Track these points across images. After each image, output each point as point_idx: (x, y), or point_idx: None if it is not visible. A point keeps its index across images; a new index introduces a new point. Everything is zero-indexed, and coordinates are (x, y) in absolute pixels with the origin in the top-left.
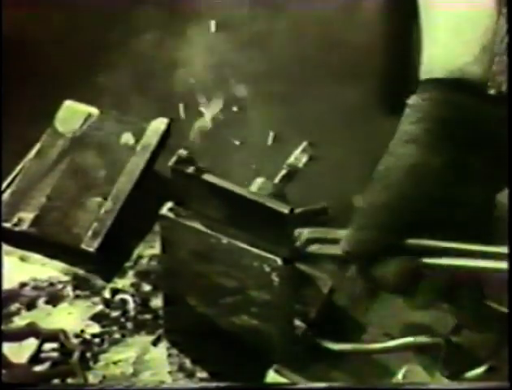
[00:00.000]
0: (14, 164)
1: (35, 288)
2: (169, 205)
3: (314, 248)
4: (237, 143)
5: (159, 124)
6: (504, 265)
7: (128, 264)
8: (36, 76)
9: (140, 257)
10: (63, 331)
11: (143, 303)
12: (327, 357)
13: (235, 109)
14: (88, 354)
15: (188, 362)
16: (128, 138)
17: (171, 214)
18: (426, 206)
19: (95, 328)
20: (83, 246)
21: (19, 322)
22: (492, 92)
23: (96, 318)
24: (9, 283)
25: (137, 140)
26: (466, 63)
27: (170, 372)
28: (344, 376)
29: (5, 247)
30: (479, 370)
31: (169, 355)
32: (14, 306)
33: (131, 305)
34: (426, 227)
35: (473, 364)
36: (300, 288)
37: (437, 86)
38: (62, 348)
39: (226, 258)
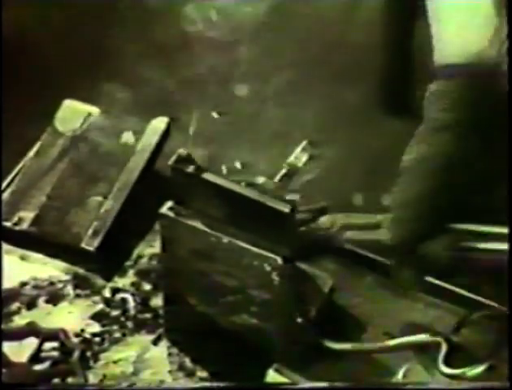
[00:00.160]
0: (14, 163)
1: (35, 287)
2: (169, 204)
3: (350, 234)
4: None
5: (159, 124)
6: None
7: (128, 263)
8: (36, 76)
9: (140, 256)
10: (63, 331)
11: (143, 302)
12: (327, 356)
13: (235, 109)
14: (89, 353)
15: (188, 361)
16: (128, 137)
17: (171, 213)
18: (463, 193)
19: (95, 327)
20: (83, 245)
21: (20, 321)
22: (504, 68)
23: (96, 317)
24: (9, 283)
25: (137, 140)
26: (482, 48)
27: (170, 371)
28: (345, 375)
29: (5, 246)
30: (479, 369)
31: (169, 354)
32: (14, 305)
33: (131, 304)
34: (464, 213)
35: (473, 363)
36: (300, 287)
37: (459, 72)
38: (63, 347)
39: (226, 257)
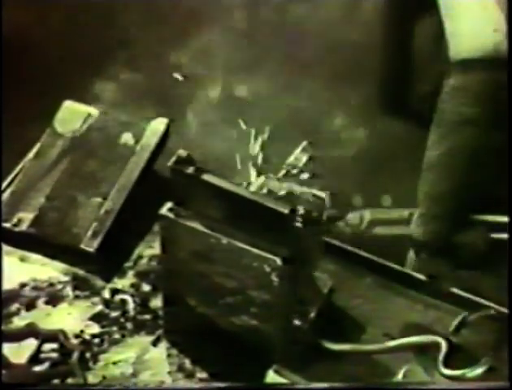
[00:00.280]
0: (13, 164)
1: (35, 288)
2: (169, 205)
3: (379, 230)
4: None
5: (158, 125)
6: None
7: (127, 264)
8: (36, 76)
9: (139, 257)
10: (63, 332)
11: (143, 303)
12: (326, 357)
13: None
14: (88, 354)
15: (187, 363)
16: (127, 138)
17: (170, 215)
18: (491, 186)
19: (95, 328)
20: (82, 246)
21: (19, 322)
22: None
23: (95, 318)
24: (9, 284)
25: (137, 141)
26: (498, 41)
27: (169, 372)
28: (344, 376)
29: (5, 247)
30: (479, 371)
31: (169, 355)
32: (13, 306)
33: (130, 306)
34: (492, 205)
35: (473, 364)
36: (299, 288)
37: (477, 66)
38: (62, 348)
39: (226, 258)
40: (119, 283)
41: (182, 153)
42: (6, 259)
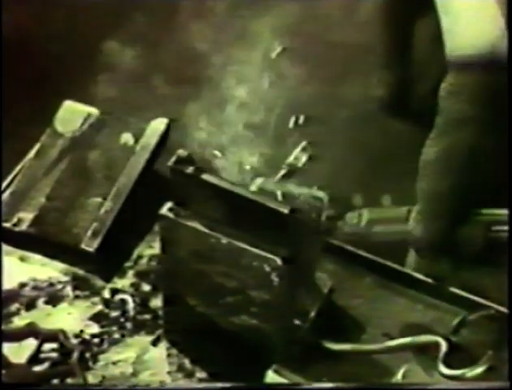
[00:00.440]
0: (13, 164)
1: (34, 288)
2: (169, 205)
3: (378, 228)
4: None
5: (159, 125)
6: None
7: (127, 264)
8: (36, 77)
9: (139, 257)
10: (63, 332)
11: (143, 303)
12: (326, 356)
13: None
14: (88, 354)
15: (187, 362)
16: (127, 138)
17: (170, 214)
18: (489, 183)
19: (94, 328)
20: (82, 246)
21: (19, 322)
22: None
23: (95, 318)
24: (9, 284)
25: (137, 141)
26: (495, 38)
27: (169, 372)
28: (344, 376)
29: (5, 247)
30: (479, 370)
31: (168, 355)
32: (13, 306)
33: (130, 305)
34: (492, 199)
35: (473, 364)
36: (299, 288)
37: (474, 63)
38: (62, 348)
39: (226, 258)
40: (119, 283)
41: (182, 152)
42: (6, 259)
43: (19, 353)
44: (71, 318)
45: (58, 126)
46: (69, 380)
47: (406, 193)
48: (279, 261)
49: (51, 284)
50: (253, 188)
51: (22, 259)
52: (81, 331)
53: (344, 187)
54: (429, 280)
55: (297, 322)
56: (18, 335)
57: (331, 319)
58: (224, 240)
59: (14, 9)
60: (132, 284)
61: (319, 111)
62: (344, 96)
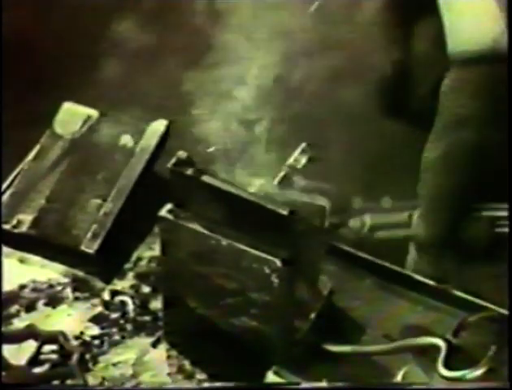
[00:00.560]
0: (13, 166)
1: (34, 289)
2: (168, 206)
3: (380, 233)
4: None
5: (158, 126)
6: None
7: (127, 266)
8: (36, 77)
9: (139, 258)
10: (63, 333)
11: (142, 305)
12: (326, 358)
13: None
14: (88, 356)
15: (187, 364)
16: (127, 140)
17: (170, 216)
18: (494, 179)
19: (94, 330)
20: (82, 248)
21: (19, 324)
22: None
23: (95, 319)
24: (8, 285)
25: (136, 142)
26: (497, 34)
27: (169, 374)
28: (344, 378)
29: (4, 249)
30: (479, 372)
31: (168, 357)
32: (13, 308)
33: (130, 307)
34: (493, 198)
35: (473, 366)
36: (299, 290)
37: (476, 60)
38: (62, 350)
39: (226, 260)
40: (119, 284)
41: (181, 154)
42: (5, 261)
43: (19, 354)
44: (71, 319)
45: (58, 128)
46: (69, 382)
47: (407, 195)
48: (279, 262)
49: (51, 286)
50: (252, 190)
51: (22, 261)
52: (81, 333)
53: (344, 189)
54: (429, 282)
55: (297, 323)
56: (18, 337)
57: (331, 321)
58: (224, 242)
59: (14, 9)
60: (132, 286)
61: (319, 112)
62: (345, 96)
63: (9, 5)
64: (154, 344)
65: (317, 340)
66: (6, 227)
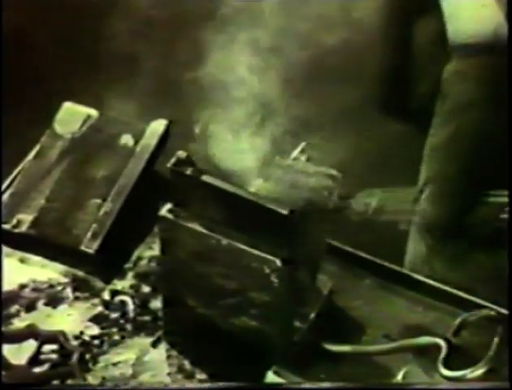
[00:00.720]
0: (13, 165)
1: (34, 289)
2: (168, 206)
3: (386, 217)
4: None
5: (158, 126)
6: None
7: (127, 265)
8: (36, 77)
9: (139, 258)
10: (63, 333)
11: (142, 304)
12: (326, 358)
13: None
14: (88, 356)
15: (187, 364)
16: (127, 139)
17: (170, 216)
18: (500, 164)
19: (94, 330)
20: (82, 247)
21: (19, 323)
22: None
23: (95, 319)
24: (8, 285)
25: (136, 142)
26: (497, 24)
27: (169, 373)
28: (344, 378)
29: (4, 249)
30: (479, 372)
31: (168, 356)
32: (13, 308)
33: (130, 307)
34: (500, 184)
35: (473, 365)
36: (299, 289)
37: (478, 50)
38: (62, 349)
39: (225, 260)
40: (119, 284)
41: (181, 154)
42: (5, 261)
43: (19, 354)
44: (71, 319)
45: (58, 127)
46: (69, 381)
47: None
48: (278, 262)
49: (51, 286)
50: (252, 189)
51: (22, 261)
52: (81, 333)
53: (344, 187)
54: (429, 282)
55: (296, 323)
56: (18, 337)
57: (331, 321)
58: (224, 242)
59: (14, 9)
60: (132, 286)
61: (318, 112)
62: (344, 96)
63: (9, 5)
64: (154, 344)
65: (317, 339)
66: (6, 226)
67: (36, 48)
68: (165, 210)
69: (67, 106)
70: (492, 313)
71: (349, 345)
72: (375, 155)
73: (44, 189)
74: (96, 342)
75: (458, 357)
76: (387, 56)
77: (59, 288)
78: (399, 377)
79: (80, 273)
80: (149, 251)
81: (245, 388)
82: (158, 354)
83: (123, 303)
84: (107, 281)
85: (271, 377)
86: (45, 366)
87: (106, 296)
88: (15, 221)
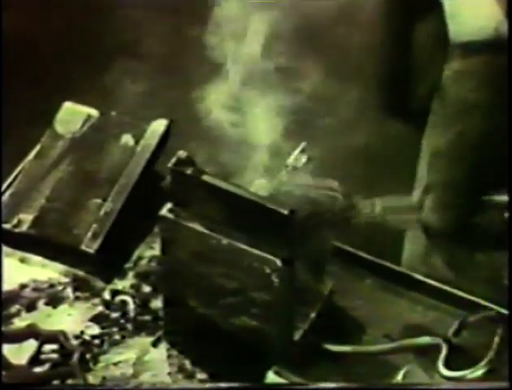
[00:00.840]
0: (13, 165)
1: (35, 289)
2: (169, 206)
3: (392, 217)
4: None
5: (159, 126)
6: None
7: (127, 265)
8: (36, 77)
9: (140, 258)
10: (63, 333)
11: (143, 304)
12: (327, 358)
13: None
14: (88, 355)
15: (188, 363)
16: (127, 139)
17: (170, 215)
18: (502, 166)
19: (95, 329)
20: (83, 247)
21: (19, 323)
22: None
23: (96, 319)
24: (9, 285)
25: (137, 142)
26: (498, 22)
27: (170, 373)
28: (344, 378)
29: (5, 249)
30: (480, 372)
31: (169, 356)
32: (14, 308)
33: (131, 307)
34: (503, 186)
35: (473, 365)
36: (300, 289)
37: (480, 49)
38: (62, 349)
39: (226, 259)
40: (120, 284)
41: (182, 154)
42: (6, 260)
43: (19, 354)
44: (72, 319)
45: (58, 127)
46: (70, 381)
47: (407, 194)
48: (279, 262)
49: (51, 286)
50: (253, 189)
51: (22, 260)
52: (82, 333)
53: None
54: (430, 282)
55: (297, 323)
56: (18, 337)
57: (331, 321)
58: (224, 241)
59: (14, 9)
60: (133, 285)
61: (318, 112)
62: (344, 96)
63: (9, 5)
64: (155, 344)
65: (317, 339)
66: (7, 226)
67: (36, 48)
68: (165, 210)
69: (68, 105)
70: (492, 313)
71: (350, 345)
72: (377, 156)
73: (44, 189)
74: (96, 342)
75: (458, 357)
76: (387, 56)
77: (60, 287)
78: (399, 377)
79: (81, 273)
80: (150, 251)
81: (245, 388)
82: (159, 354)
83: (123, 303)
84: (108, 281)
85: (271, 377)
86: (46, 366)
87: (107, 295)
88: (15, 221)
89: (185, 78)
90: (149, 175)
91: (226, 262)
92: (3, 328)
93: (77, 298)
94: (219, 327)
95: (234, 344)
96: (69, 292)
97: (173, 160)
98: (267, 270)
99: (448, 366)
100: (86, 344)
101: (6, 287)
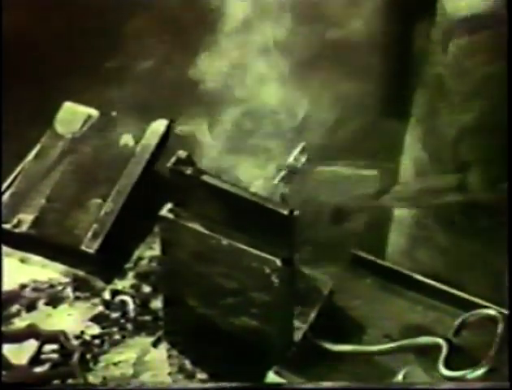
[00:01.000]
0: (13, 165)
1: (35, 289)
2: (169, 206)
3: (427, 199)
4: None
5: (159, 126)
6: None
7: (128, 265)
8: (36, 77)
9: (140, 258)
10: (63, 333)
11: (143, 304)
12: (327, 358)
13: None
14: (89, 355)
15: (188, 363)
16: (127, 139)
17: (170, 216)
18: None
19: (95, 329)
20: (83, 247)
21: (20, 323)
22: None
23: (96, 319)
24: (9, 285)
25: (137, 142)
26: None
27: (170, 373)
28: (344, 378)
29: (5, 249)
30: (480, 372)
31: (169, 356)
32: (14, 308)
33: (131, 307)
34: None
35: (473, 365)
36: (300, 290)
37: (484, 23)
38: (63, 349)
39: (226, 259)
40: (120, 284)
41: (181, 154)
42: (6, 260)
43: (19, 354)
44: (72, 319)
45: (59, 127)
46: (70, 381)
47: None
48: (279, 262)
49: (51, 286)
50: (253, 189)
51: (22, 261)
52: (82, 333)
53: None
54: (430, 281)
55: (297, 323)
56: (18, 337)
57: (331, 320)
58: (224, 242)
59: (14, 9)
60: (133, 286)
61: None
62: (344, 96)
63: (9, 5)
64: (155, 344)
65: (317, 339)
66: (7, 226)
67: (36, 48)
68: (165, 210)
69: (68, 105)
70: (492, 313)
71: (350, 345)
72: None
73: (44, 189)
74: (96, 342)
75: (459, 357)
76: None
77: (60, 287)
78: (399, 377)
79: (81, 273)
80: (150, 251)
81: (245, 388)
82: (159, 354)
83: (123, 303)
84: (108, 281)
85: (271, 377)
86: (46, 366)
87: (107, 295)
88: (15, 221)
89: (187, 80)
90: (149, 175)
91: (226, 262)
92: (3, 328)
93: (77, 298)
94: (219, 327)
95: (234, 344)
96: (69, 292)
97: (173, 160)
98: (267, 271)
99: (448, 366)
100: (86, 344)
101: (6, 287)
